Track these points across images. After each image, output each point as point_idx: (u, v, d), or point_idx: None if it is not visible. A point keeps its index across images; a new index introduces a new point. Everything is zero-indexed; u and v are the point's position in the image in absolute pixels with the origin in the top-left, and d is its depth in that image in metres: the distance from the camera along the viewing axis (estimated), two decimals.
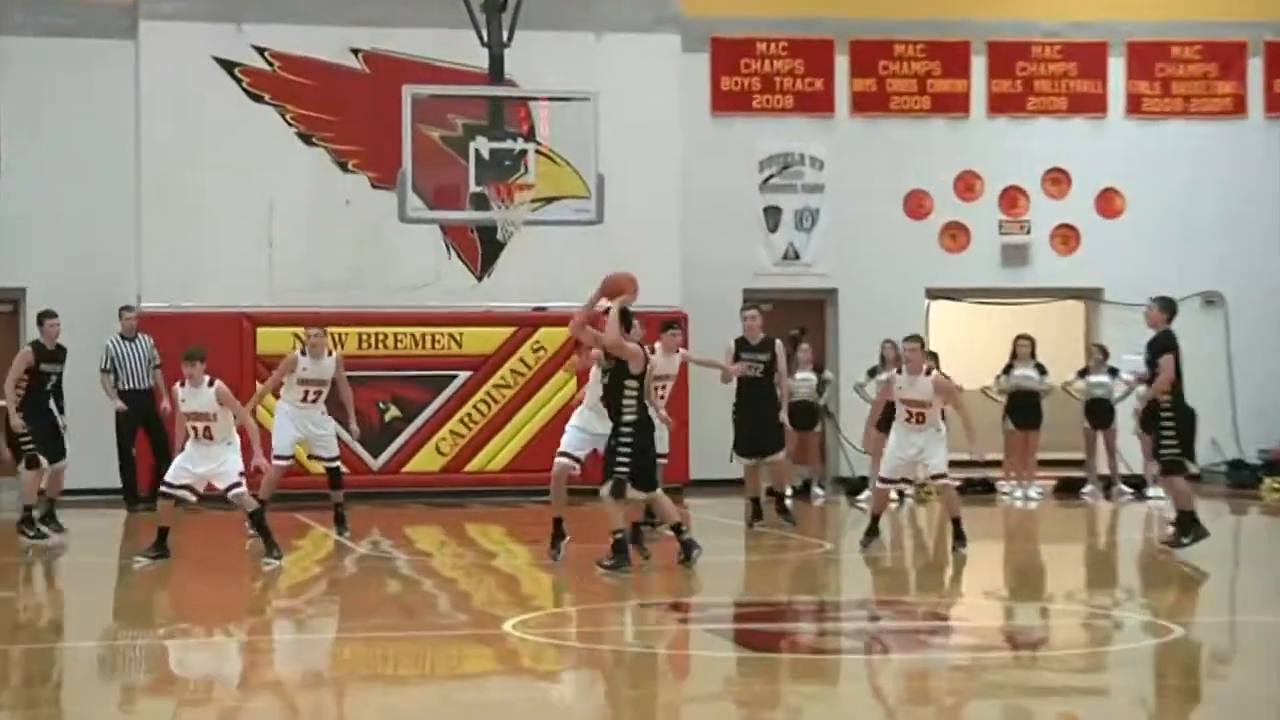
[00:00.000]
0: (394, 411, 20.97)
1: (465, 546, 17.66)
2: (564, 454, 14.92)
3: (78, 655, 11.21)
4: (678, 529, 14.40)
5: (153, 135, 20.95)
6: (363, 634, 11.70)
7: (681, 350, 16.89)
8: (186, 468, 14.68)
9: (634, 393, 14.04)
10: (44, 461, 16.69)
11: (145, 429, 20.09)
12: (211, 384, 14.64)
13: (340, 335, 19.69)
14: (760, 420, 17.28)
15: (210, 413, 14.59)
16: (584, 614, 12.71)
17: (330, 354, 16.73)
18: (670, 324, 16.93)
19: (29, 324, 20.94)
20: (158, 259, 20.89)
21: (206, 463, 14.64)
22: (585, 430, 14.97)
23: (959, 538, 15.52)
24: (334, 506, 16.73)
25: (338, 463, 16.68)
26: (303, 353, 16.59)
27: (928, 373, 15.72)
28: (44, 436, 16.76)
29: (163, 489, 14.79)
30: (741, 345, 17.46)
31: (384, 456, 20.85)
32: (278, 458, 16.17)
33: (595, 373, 14.77)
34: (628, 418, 13.99)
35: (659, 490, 14.46)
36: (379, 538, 17.36)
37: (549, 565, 14.69)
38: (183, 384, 14.77)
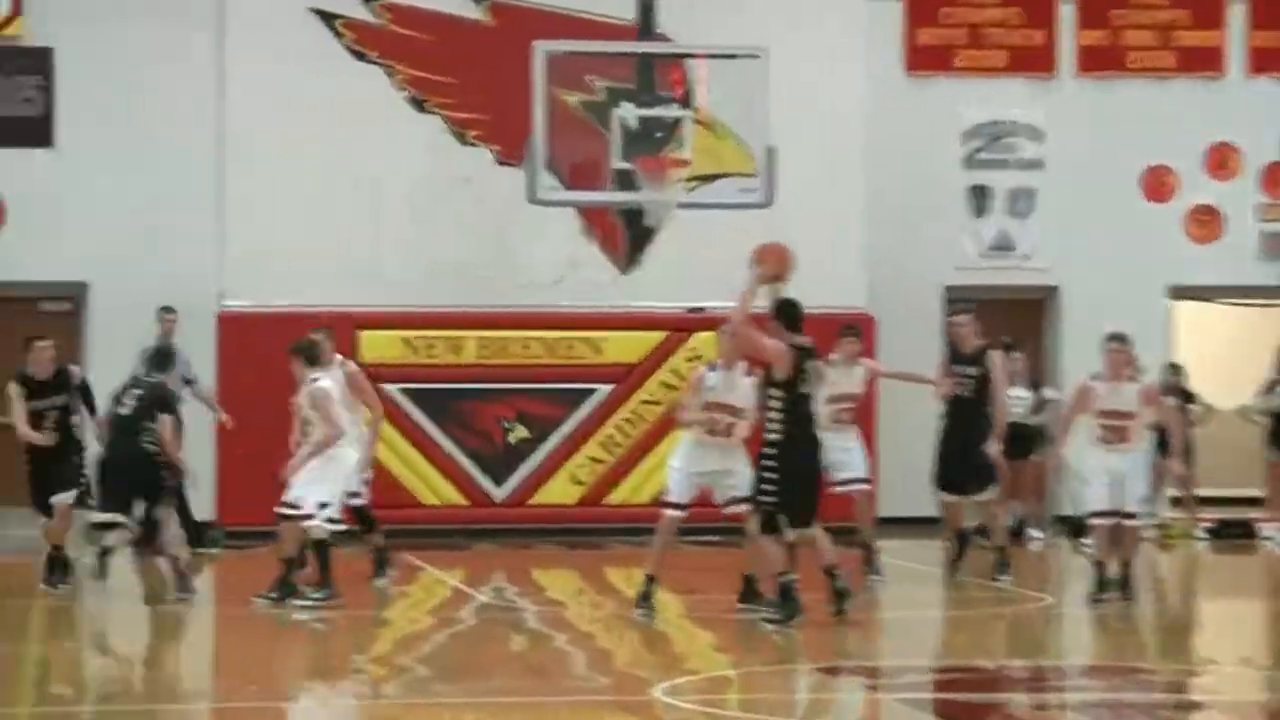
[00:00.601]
0: (520, 431, 21.01)
1: (605, 595, 17.66)
2: (667, 504, 14.76)
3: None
4: (831, 572, 14.19)
5: (238, 103, 21.19)
6: (484, 698, 11.70)
7: (865, 360, 16.74)
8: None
9: (779, 404, 13.85)
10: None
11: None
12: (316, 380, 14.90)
13: (457, 340, 19.74)
14: (963, 449, 17.03)
15: (304, 416, 14.81)
16: (746, 678, 12.64)
17: (340, 362, 16.35)
18: (849, 328, 16.79)
19: (94, 323, 21.32)
20: (242, 251, 21.12)
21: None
22: (687, 470, 14.73)
23: (1124, 586, 15.38)
24: (373, 550, 16.38)
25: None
26: None
27: (1131, 380, 15.58)
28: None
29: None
30: (951, 356, 17.28)
31: (508, 485, 20.88)
32: None
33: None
34: (772, 437, 13.85)
35: (815, 528, 14.20)
36: (503, 584, 17.41)
37: (703, 619, 14.69)
38: None
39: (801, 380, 13.96)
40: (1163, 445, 17.52)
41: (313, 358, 15.23)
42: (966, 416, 16.96)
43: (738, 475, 14.43)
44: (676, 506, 14.67)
